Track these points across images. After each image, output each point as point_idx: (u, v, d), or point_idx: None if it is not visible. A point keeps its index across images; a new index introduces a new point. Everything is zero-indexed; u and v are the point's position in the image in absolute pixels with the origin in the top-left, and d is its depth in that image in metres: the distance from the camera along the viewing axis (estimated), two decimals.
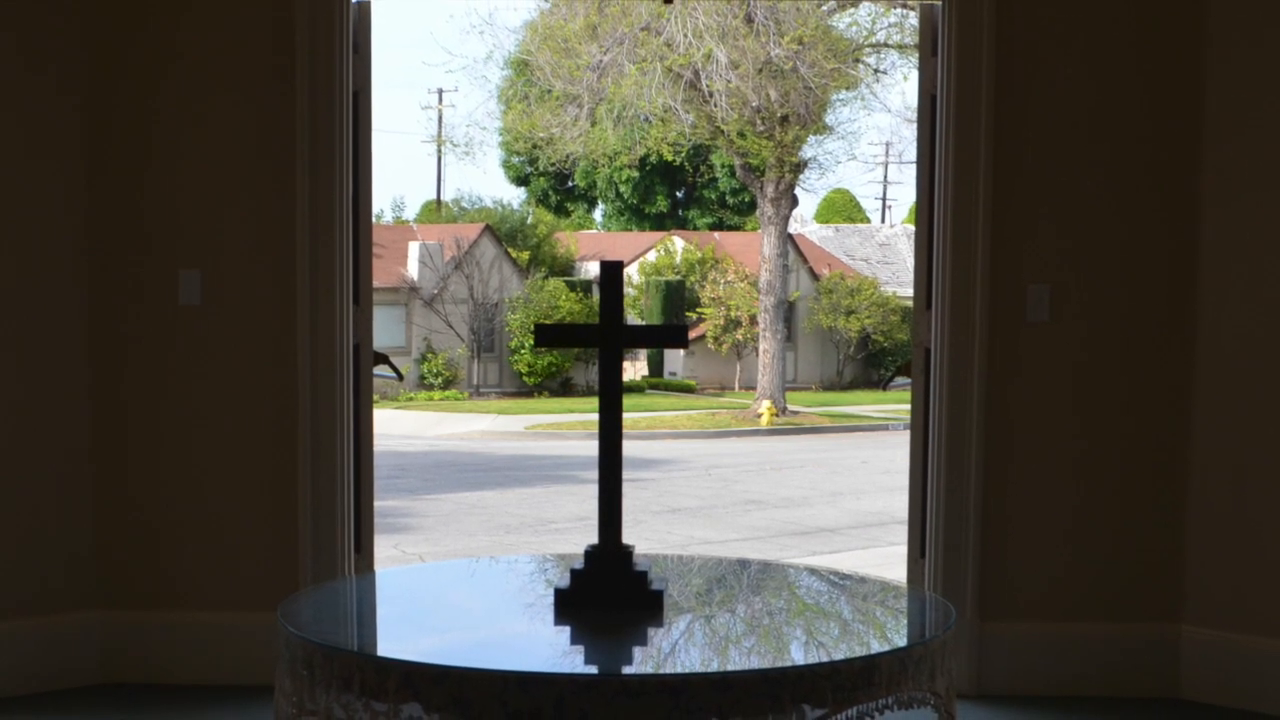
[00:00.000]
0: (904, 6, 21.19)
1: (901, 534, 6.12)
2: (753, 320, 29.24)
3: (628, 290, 31.51)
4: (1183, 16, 5.31)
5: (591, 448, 4.03)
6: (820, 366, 33.83)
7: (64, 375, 5.38)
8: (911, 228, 33.56)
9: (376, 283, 6.24)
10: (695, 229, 39.20)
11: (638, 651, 3.32)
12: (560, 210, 42.24)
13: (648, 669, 3.19)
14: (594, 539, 3.50)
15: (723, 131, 23.53)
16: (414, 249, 31.45)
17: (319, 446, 5.40)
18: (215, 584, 5.45)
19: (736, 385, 31.80)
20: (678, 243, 34.81)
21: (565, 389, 30.85)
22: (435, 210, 41.35)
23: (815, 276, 34.26)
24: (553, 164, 31.84)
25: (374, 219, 5.65)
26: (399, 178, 74.65)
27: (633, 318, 31.31)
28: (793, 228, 31.24)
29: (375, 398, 5.73)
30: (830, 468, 17.49)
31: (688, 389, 31.65)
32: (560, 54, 23.30)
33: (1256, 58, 5.21)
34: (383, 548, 9.24)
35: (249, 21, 5.35)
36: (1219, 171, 5.31)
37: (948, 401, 5.42)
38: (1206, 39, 5.30)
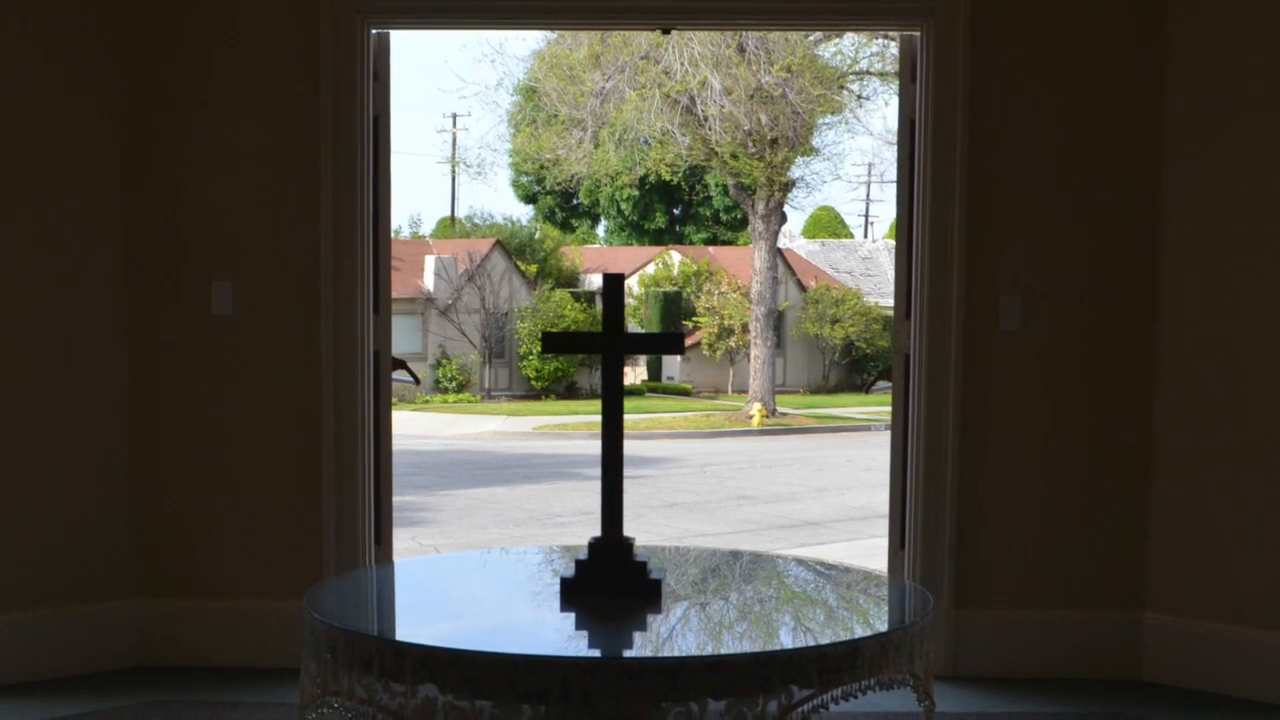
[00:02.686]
0: (885, 37, 21.19)
1: (883, 527, 6.12)
2: (744, 328, 29.24)
3: (628, 300, 31.49)
4: (1145, 48, 5.32)
5: (595, 447, 4.03)
6: (807, 371, 33.83)
7: (104, 379, 5.38)
8: (892, 242, 33.53)
9: (395, 293, 6.25)
10: (691, 244, 39.20)
11: (637, 636, 3.32)
12: (566, 226, 42.23)
13: (647, 652, 3.19)
14: (597, 532, 3.50)
15: (717, 153, 23.52)
16: (430, 262, 31.46)
17: (341, 445, 5.40)
18: (245, 573, 5.45)
19: (729, 389, 31.79)
20: (675, 256, 34.82)
21: (570, 392, 30.85)
22: (449, 226, 41.33)
23: (803, 288, 34.26)
24: (559, 183, 31.79)
25: (392, 234, 5.65)
26: (416, 196, 74.62)
27: (633, 326, 31.28)
28: (782, 242, 31.21)
29: (393, 400, 5.73)
30: (817, 465, 17.48)
31: (684, 392, 31.64)
32: (566, 81, 23.30)
33: (1212, 86, 5.22)
34: (401, 540, 9.24)
35: (276, 51, 5.36)
36: (1177, 189, 5.31)
37: (926, 404, 5.42)
38: (1166, 68, 5.31)
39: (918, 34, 5.41)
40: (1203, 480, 5.29)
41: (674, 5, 5.42)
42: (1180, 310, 5.33)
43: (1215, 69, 5.21)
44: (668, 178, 28.64)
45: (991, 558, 5.44)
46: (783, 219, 25.64)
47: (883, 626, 3.39)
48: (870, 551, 9.57)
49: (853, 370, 33.69)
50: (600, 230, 44.35)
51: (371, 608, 3.70)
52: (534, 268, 32.97)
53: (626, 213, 41.20)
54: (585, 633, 3.37)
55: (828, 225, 46.73)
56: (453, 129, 43.32)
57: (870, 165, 48.83)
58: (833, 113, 24.02)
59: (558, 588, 3.51)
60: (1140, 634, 5.41)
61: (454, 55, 74.80)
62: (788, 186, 24.60)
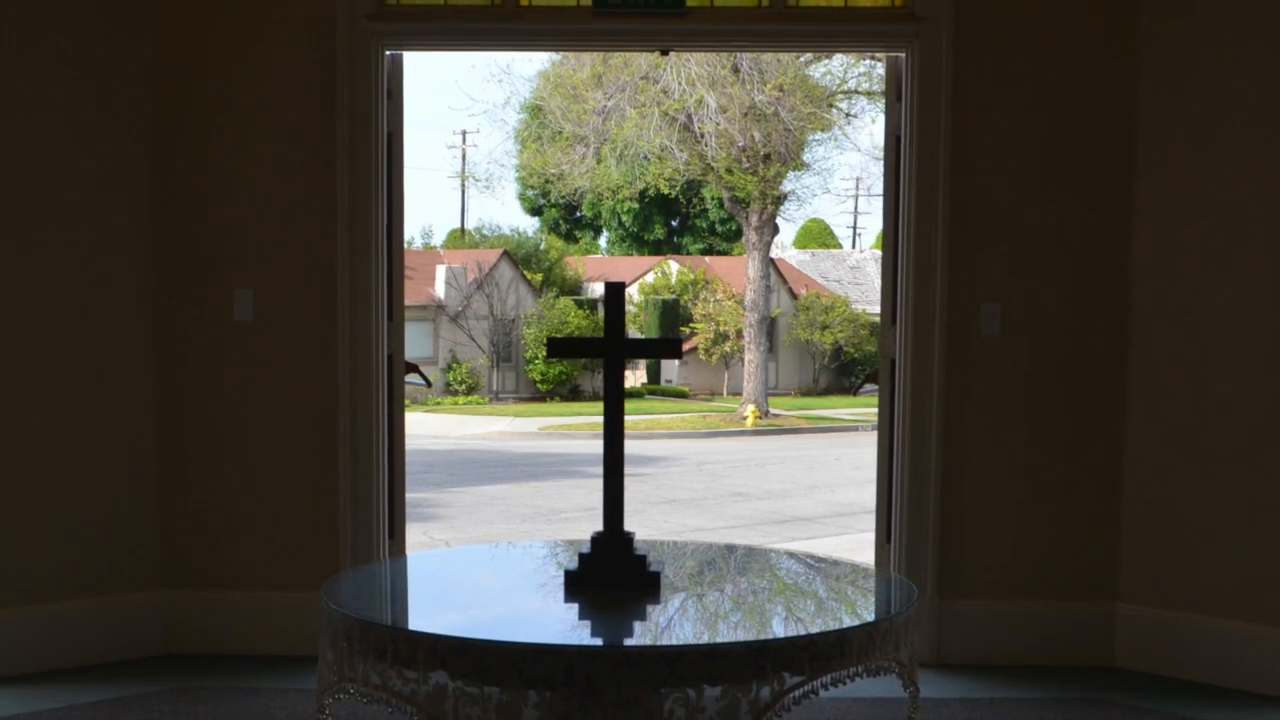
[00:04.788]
0: (872, 58, 21.19)
1: (870, 522, 6.11)
2: (739, 334, 29.23)
3: (629, 308, 31.49)
4: (1117, 70, 5.33)
5: (597, 446, 4.04)
6: (798, 375, 33.81)
7: (133, 382, 5.38)
8: (879, 253, 33.51)
9: (408, 301, 6.25)
10: (688, 254, 39.19)
11: (638, 626, 3.32)
12: (569, 237, 42.22)
13: (646, 641, 3.19)
14: (599, 527, 3.51)
15: (713, 168, 23.52)
16: (441, 271, 31.45)
17: (357, 445, 5.40)
18: (265, 566, 5.45)
19: (725, 391, 31.78)
20: (673, 266, 34.82)
21: (574, 394, 30.83)
22: (459, 237, 41.32)
23: (794, 295, 34.24)
24: (563, 196, 31.87)
25: (405, 245, 5.65)
26: (427, 209, 74.40)
27: (633, 332, 31.28)
28: (774, 253, 31.22)
29: (406, 402, 5.73)
30: (807, 464, 17.47)
31: (682, 395, 31.63)
32: (570, 100, 23.31)
33: (1180, 106, 5.22)
34: (413, 534, 9.22)
35: (296, 71, 5.36)
36: (1148, 205, 5.32)
37: (911, 406, 5.42)
38: (1137, 89, 5.31)
39: (903, 55, 5.42)
40: (1172, 478, 5.29)
41: (672, 28, 5.42)
42: (1150, 317, 5.33)
43: (1183, 90, 5.22)
44: (666, 191, 28.68)
45: (973, 551, 5.44)
46: (775, 230, 25.64)
47: (870, 616, 3.39)
48: (858, 545, 9.57)
49: (841, 374, 33.67)
50: (602, 241, 44.33)
51: (385, 599, 3.71)
52: (539, 276, 32.98)
53: (627, 224, 41.20)
54: (588, 622, 3.37)
55: (818, 236, 46.73)
56: (462, 145, 43.37)
57: (858, 179, 48.79)
58: (822, 130, 24.02)
59: (562, 580, 3.52)
60: (1113, 623, 5.41)
61: (464, 75, 74.80)
62: (780, 200, 24.60)
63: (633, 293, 33.09)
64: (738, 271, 30.88)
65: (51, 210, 5.19)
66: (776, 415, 25.66)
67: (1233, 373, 5.15)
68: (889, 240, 5.55)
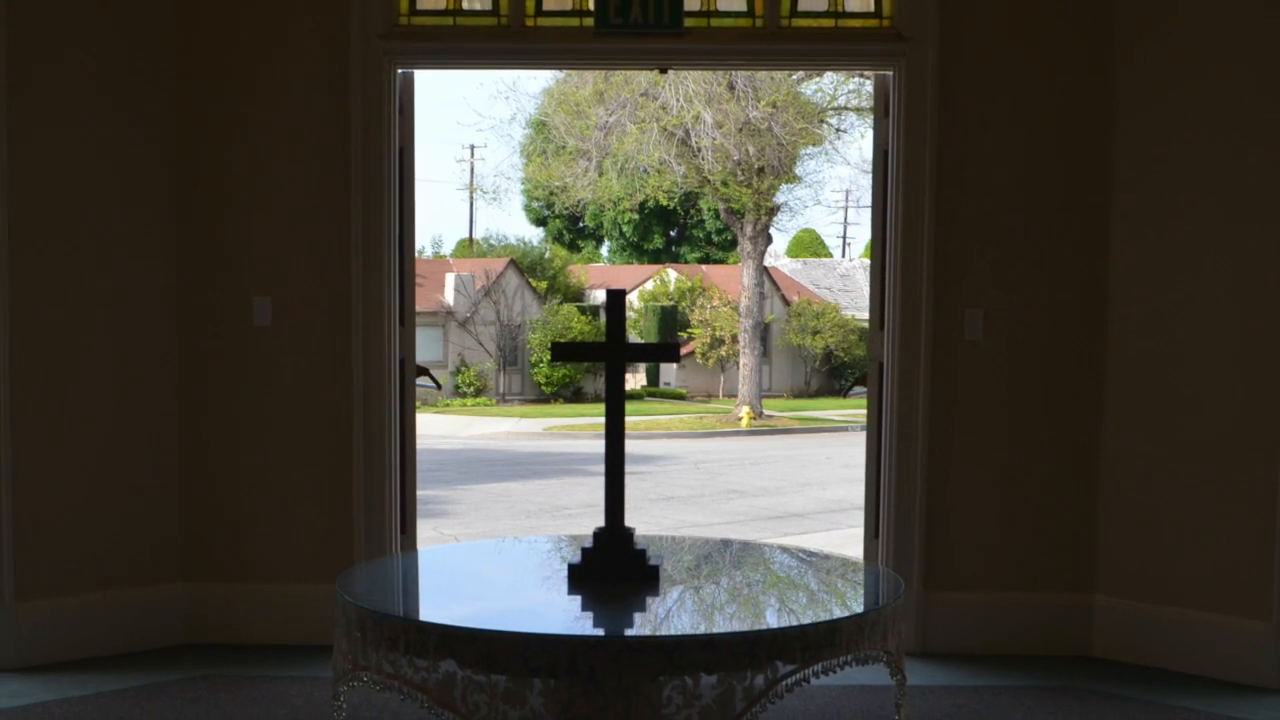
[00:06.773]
0: (861, 76, 21.21)
1: (859, 518, 6.11)
2: (734, 339, 29.24)
3: (629, 314, 31.49)
4: (1095, 87, 5.34)
5: (599, 446, 4.03)
6: (791, 377, 33.82)
7: (156, 385, 5.38)
8: (867, 261, 33.47)
9: (418, 307, 6.24)
10: (686, 262, 39.21)
11: (638, 617, 3.32)
12: (573, 247, 42.23)
13: (646, 631, 3.19)
14: (601, 523, 3.51)
15: (709, 181, 23.52)
16: (450, 279, 31.46)
17: (370, 444, 5.40)
18: (282, 560, 5.45)
19: (720, 393, 31.78)
20: (671, 274, 34.83)
21: (577, 396, 30.83)
22: (468, 247, 41.29)
23: (787, 302, 34.26)
24: (566, 208, 31.83)
25: (416, 253, 5.65)
26: (437, 219, 74.40)
27: (633, 337, 31.27)
28: (768, 261, 31.19)
29: (417, 404, 5.73)
30: (799, 462, 17.45)
31: (680, 396, 31.62)
32: (573, 115, 23.30)
33: (1154, 122, 5.23)
34: (424, 530, 9.21)
35: (311, 89, 5.36)
36: (1124, 215, 5.32)
37: (898, 407, 5.42)
38: (1114, 106, 5.32)
39: (890, 74, 5.42)
40: (1147, 475, 5.29)
41: (670, 48, 5.43)
42: (1126, 323, 5.33)
43: (1156, 106, 5.22)
44: (665, 203, 28.73)
45: (957, 545, 5.43)
46: (769, 240, 25.64)
47: (859, 608, 3.39)
48: (848, 540, 9.55)
49: (832, 376, 33.68)
50: (604, 250, 44.34)
51: (398, 591, 3.71)
52: (544, 284, 32.99)
53: (627, 234, 41.21)
54: (590, 614, 3.37)
55: (809, 246, 46.75)
56: (470, 159, 43.31)
57: (848, 192, 48.89)
58: (814, 144, 24.02)
59: (565, 573, 3.52)
60: (1091, 615, 5.41)
61: (471, 92, 74.74)
62: (773, 211, 24.60)
63: (633, 300, 33.10)
64: (733, 279, 30.90)
65: (79, 221, 5.19)
66: (770, 416, 25.65)
67: (1205, 374, 5.15)
68: (877, 249, 5.55)
